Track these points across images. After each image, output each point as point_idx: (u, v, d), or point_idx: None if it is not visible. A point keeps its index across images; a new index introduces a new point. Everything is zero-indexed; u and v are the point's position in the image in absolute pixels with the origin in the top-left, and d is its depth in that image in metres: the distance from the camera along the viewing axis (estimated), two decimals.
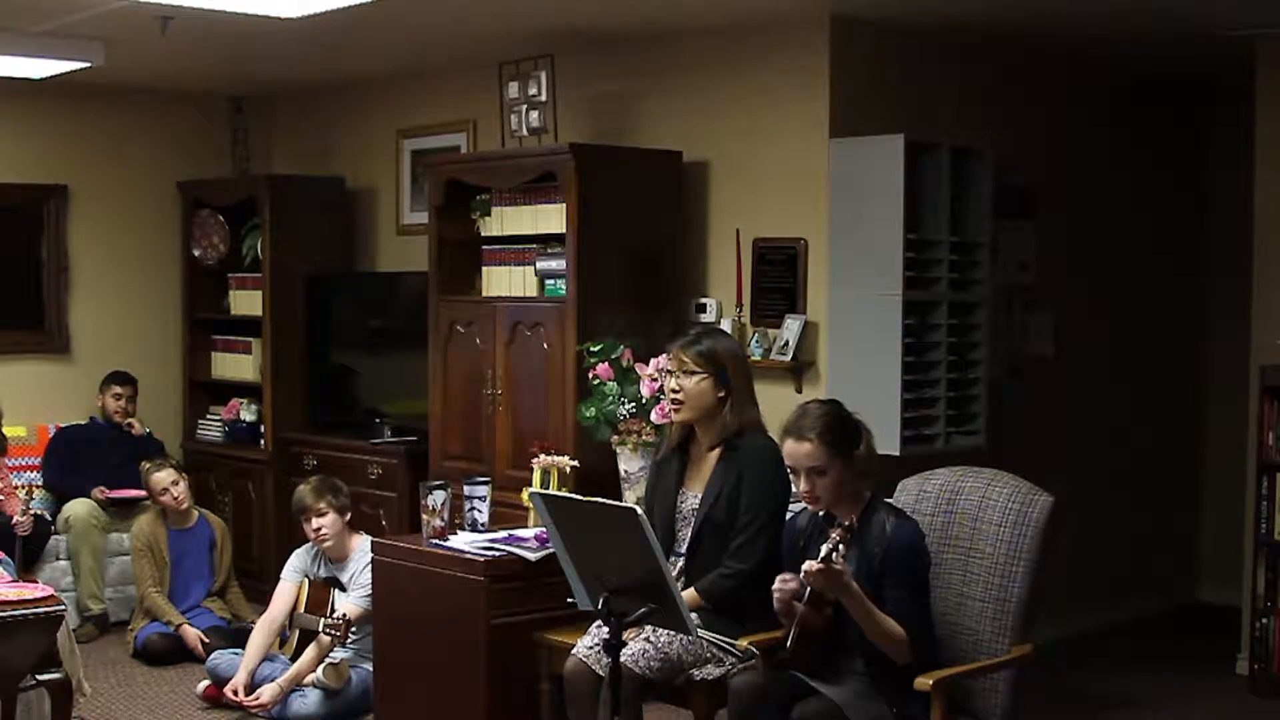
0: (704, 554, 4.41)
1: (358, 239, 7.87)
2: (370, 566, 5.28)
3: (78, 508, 6.94)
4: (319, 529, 5.75)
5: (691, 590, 4.34)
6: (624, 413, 5.49)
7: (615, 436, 5.51)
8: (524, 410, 6.07)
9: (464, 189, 6.39)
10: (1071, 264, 6.88)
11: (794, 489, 4.03)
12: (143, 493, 6.80)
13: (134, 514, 6.91)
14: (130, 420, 7.37)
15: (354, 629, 5.57)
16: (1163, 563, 7.48)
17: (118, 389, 7.36)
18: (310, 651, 5.61)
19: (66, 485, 7.10)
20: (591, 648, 4.30)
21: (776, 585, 3.83)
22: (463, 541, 4.95)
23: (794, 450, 3.89)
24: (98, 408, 7.46)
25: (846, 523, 3.80)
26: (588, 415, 5.60)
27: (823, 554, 3.68)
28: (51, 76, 6.81)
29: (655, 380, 5.37)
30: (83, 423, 7.47)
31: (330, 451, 7.14)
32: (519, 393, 6.09)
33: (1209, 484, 7.67)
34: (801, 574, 3.71)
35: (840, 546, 3.70)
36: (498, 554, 4.81)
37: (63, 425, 7.48)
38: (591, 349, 5.66)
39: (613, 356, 5.61)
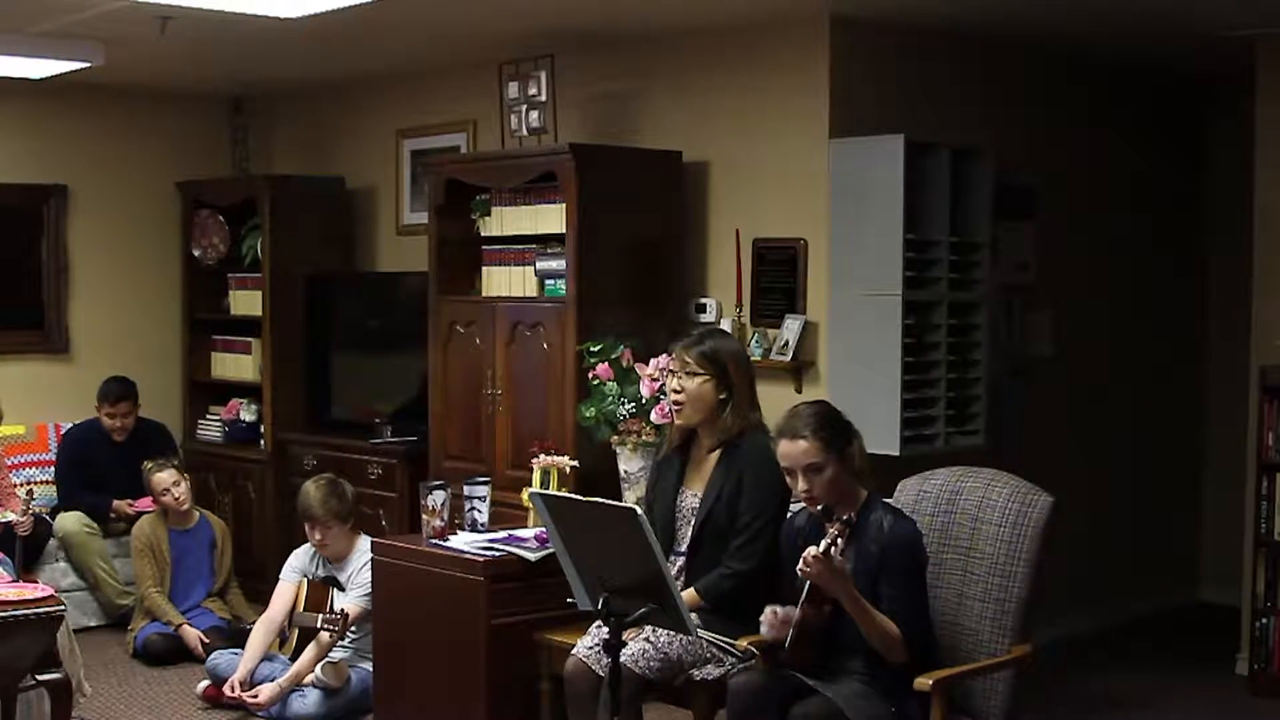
0: (704, 554, 4.42)
1: (358, 239, 7.87)
2: (369, 565, 5.29)
3: (68, 523, 6.92)
4: (321, 540, 5.75)
5: (691, 590, 4.35)
6: (624, 413, 5.49)
7: (615, 436, 5.51)
8: (524, 410, 6.06)
9: (464, 189, 6.38)
10: (1071, 264, 6.88)
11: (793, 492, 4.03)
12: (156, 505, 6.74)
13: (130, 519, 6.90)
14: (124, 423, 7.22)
15: (353, 627, 5.57)
16: (1163, 563, 7.47)
17: (109, 408, 7.12)
18: (310, 650, 5.61)
19: (87, 503, 7.01)
20: (591, 648, 4.31)
21: (765, 618, 3.84)
22: (463, 541, 4.95)
23: (790, 450, 3.90)
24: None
25: (845, 517, 3.80)
26: (588, 415, 5.59)
27: (821, 548, 3.69)
28: (51, 76, 6.80)
29: (655, 380, 5.37)
30: (92, 418, 7.23)
31: (330, 451, 7.13)
32: (519, 393, 6.09)
33: (1209, 484, 7.66)
34: (800, 564, 3.71)
35: (839, 540, 3.71)
36: (498, 554, 4.81)
37: (67, 425, 7.41)
38: (591, 349, 5.66)
39: (613, 356, 5.61)
